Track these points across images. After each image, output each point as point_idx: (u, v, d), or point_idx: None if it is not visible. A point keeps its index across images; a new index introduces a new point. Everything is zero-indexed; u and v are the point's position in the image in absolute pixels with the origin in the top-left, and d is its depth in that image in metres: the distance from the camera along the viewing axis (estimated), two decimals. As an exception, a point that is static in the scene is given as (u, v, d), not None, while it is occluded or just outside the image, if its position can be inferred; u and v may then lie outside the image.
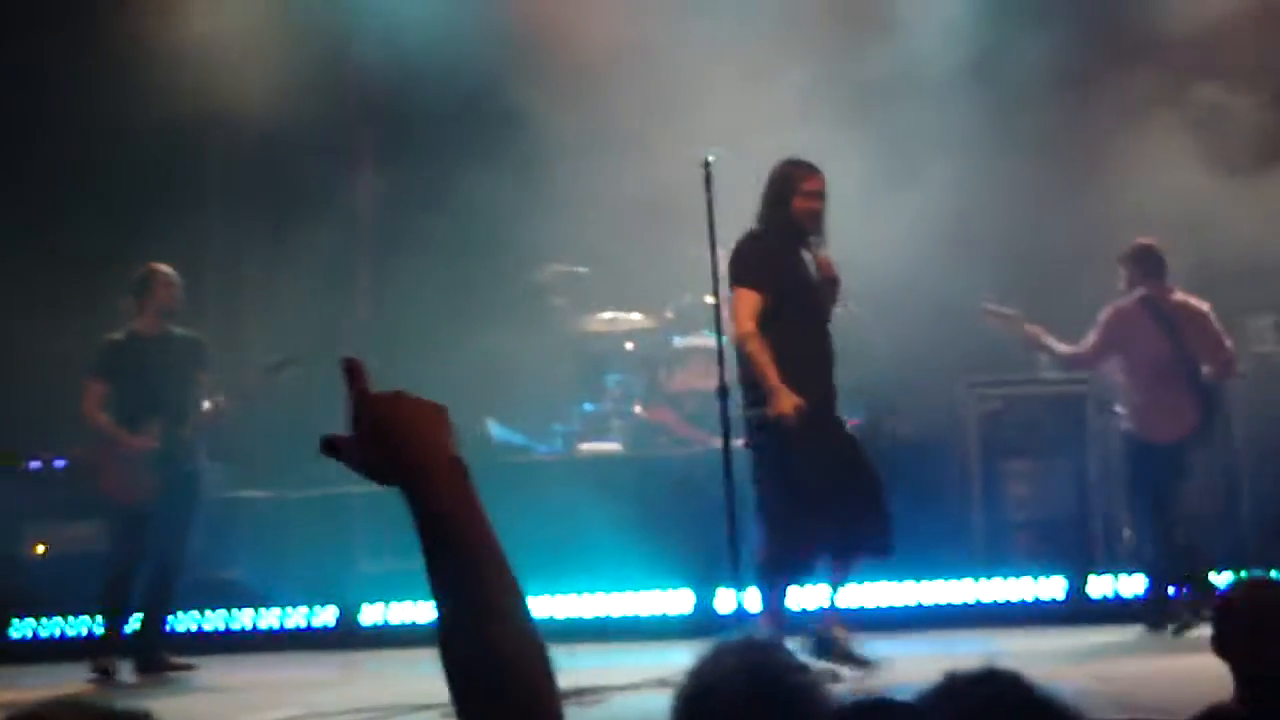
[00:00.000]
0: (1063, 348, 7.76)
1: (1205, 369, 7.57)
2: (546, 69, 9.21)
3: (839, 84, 8.73)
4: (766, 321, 6.20)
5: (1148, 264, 7.58)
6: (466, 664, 1.53)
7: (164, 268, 7.62)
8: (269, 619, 8.50)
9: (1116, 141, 9.18)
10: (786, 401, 6.00)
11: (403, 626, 8.24)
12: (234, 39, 9.30)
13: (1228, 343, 7.62)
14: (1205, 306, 7.61)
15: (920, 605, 7.99)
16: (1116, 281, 7.71)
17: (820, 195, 6.33)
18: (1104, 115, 9.39)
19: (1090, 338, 7.64)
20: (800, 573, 6.24)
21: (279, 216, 9.52)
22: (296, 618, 8.49)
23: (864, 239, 7.42)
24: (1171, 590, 7.43)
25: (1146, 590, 7.64)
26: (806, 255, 6.40)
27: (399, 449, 1.57)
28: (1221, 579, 7.33)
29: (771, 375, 6.03)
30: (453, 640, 1.55)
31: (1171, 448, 7.44)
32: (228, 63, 9.25)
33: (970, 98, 8.73)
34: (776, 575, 6.11)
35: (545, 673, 1.57)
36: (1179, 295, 7.63)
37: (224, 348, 8.71)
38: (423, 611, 8.32)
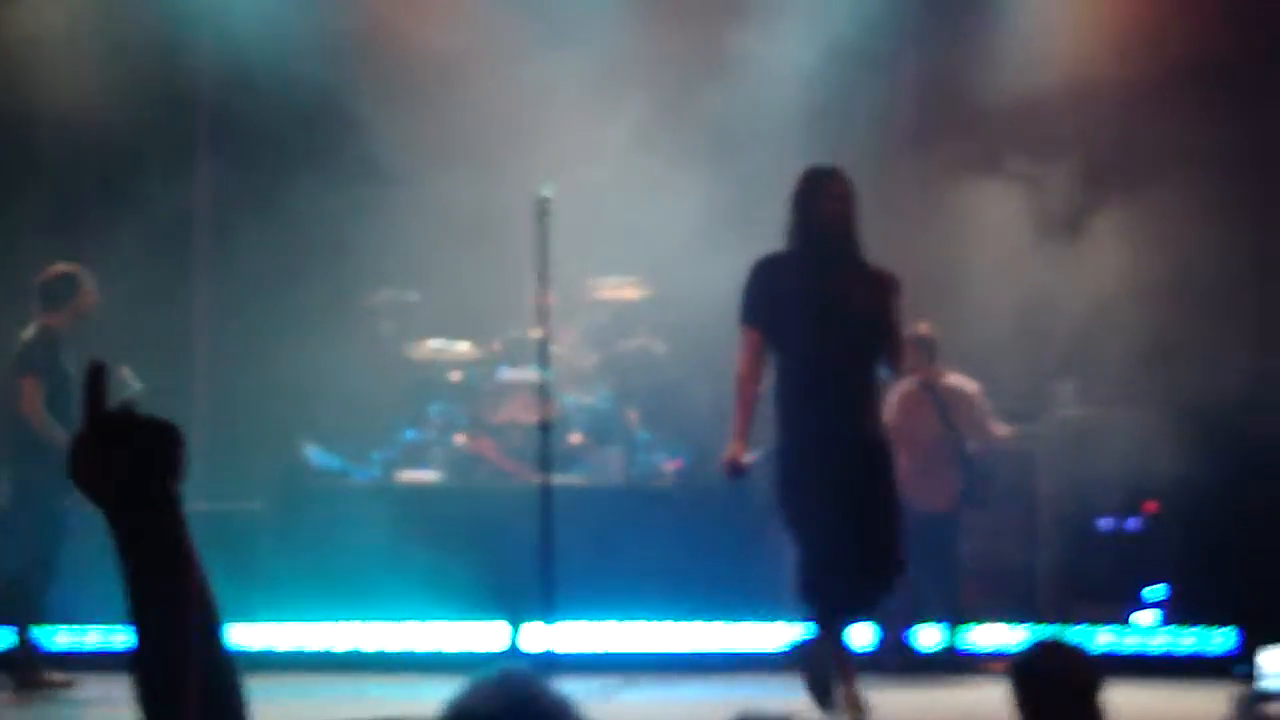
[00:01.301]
0: None
1: (970, 445, 8.32)
2: (386, 87, 9.17)
3: (678, 119, 8.86)
4: (775, 355, 5.86)
5: (923, 349, 8.22)
6: (159, 690, 1.53)
7: (84, 271, 7.61)
8: (68, 638, 8.22)
9: (936, 203, 9.52)
10: (728, 453, 5.78)
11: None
12: (63, 42, 9.07)
13: (990, 423, 8.41)
14: (974, 388, 8.34)
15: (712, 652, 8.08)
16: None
17: (845, 198, 5.83)
18: (929, 175, 9.71)
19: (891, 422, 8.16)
20: (814, 612, 5.80)
21: (106, 224, 9.28)
22: (93, 637, 8.23)
23: (698, 277, 7.53)
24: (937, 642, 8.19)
25: (912, 642, 8.28)
26: (843, 271, 5.83)
27: (110, 467, 1.54)
28: (1018, 638, 7.81)
29: (736, 421, 5.80)
30: (146, 666, 1.54)
31: (940, 516, 8.19)
32: (56, 66, 9.02)
33: (807, 144, 8.94)
34: (804, 607, 5.87)
35: (239, 705, 1.58)
36: (951, 377, 8.32)
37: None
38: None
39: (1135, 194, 8.87)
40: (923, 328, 8.28)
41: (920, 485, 8.10)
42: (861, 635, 8.29)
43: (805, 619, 5.83)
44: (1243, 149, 8.88)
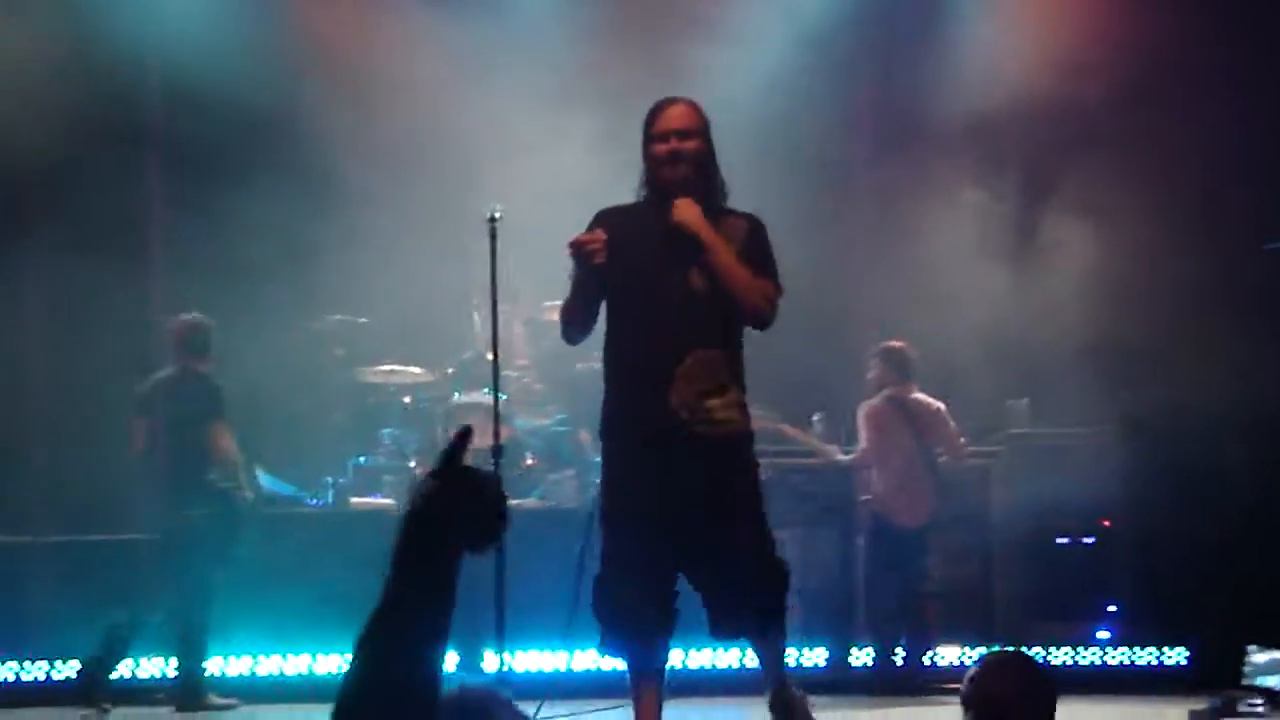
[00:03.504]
0: (842, 457, 8.53)
1: (942, 459, 8.30)
2: (336, 107, 9.10)
3: (633, 137, 8.83)
4: (608, 324, 4.84)
5: (896, 363, 8.23)
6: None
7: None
8: (3, 673, 8.07)
9: (894, 222, 9.55)
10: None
11: (150, 682, 7.92)
12: (9, 61, 8.96)
13: (960, 440, 8.37)
14: (941, 405, 8.32)
15: (685, 669, 8.03)
16: (866, 372, 8.33)
17: (677, 135, 4.75)
18: (885, 194, 9.75)
19: (861, 442, 8.33)
20: (611, 645, 4.78)
21: (52, 243, 9.17)
22: (36, 672, 8.07)
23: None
24: (901, 660, 8.14)
25: (876, 660, 8.23)
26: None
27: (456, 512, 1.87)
28: (972, 654, 7.79)
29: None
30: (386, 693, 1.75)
31: (912, 532, 8.17)
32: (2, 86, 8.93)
33: (762, 164, 8.94)
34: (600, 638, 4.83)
35: None
36: (919, 394, 8.29)
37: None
38: (169, 667, 7.98)
39: (1092, 213, 8.92)
40: (895, 342, 8.27)
41: (897, 502, 8.15)
42: (816, 654, 8.31)
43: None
44: (1194, 167, 8.95)
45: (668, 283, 4.66)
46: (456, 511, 1.80)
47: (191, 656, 7.59)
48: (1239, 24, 8.98)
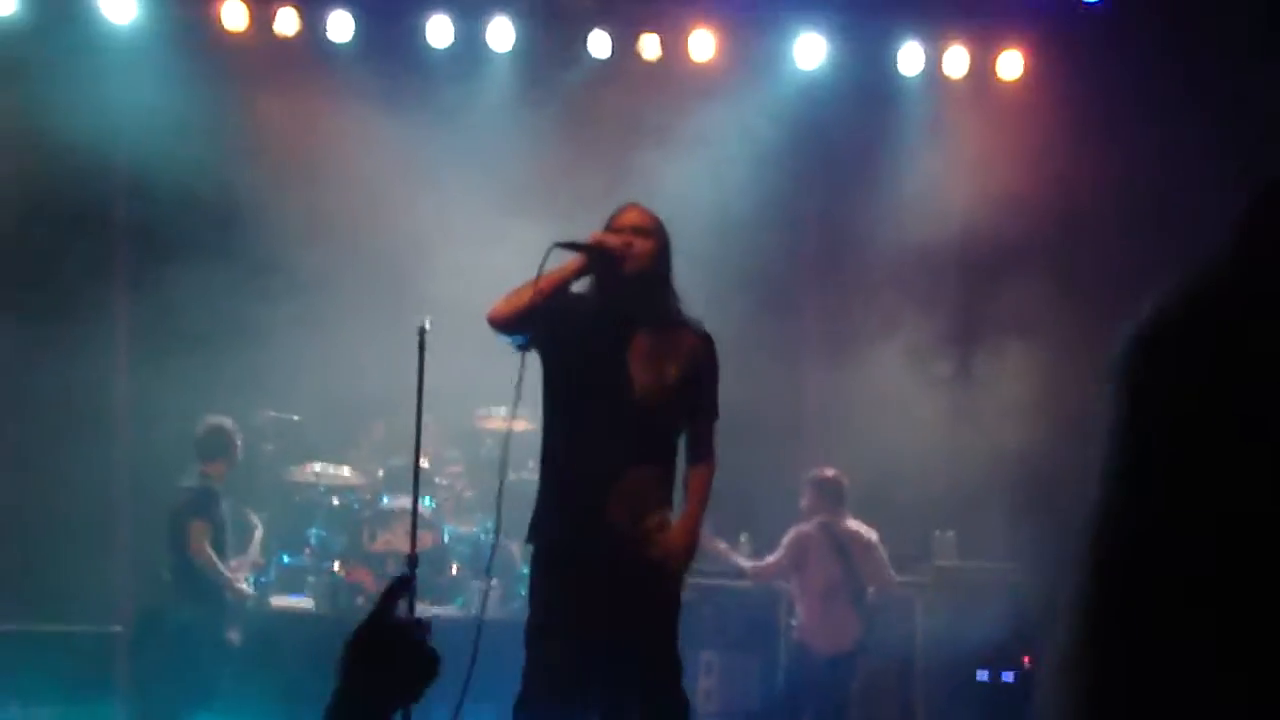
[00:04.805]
0: (745, 563, 8.47)
1: (871, 590, 8.31)
2: (288, 197, 9.13)
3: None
4: (545, 392, 4.69)
5: (829, 492, 8.30)
6: None
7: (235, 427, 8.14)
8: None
9: (826, 344, 9.63)
10: None
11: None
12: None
13: (890, 571, 8.39)
14: (874, 536, 8.35)
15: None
16: (800, 498, 8.34)
17: (635, 230, 4.70)
18: (819, 316, 9.84)
19: (773, 556, 8.34)
20: None
21: (19, 328, 9.12)
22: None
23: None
24: None
25: None
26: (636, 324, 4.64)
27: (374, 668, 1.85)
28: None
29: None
30: None
31: (835, 660, 8.16)
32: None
33: (702, 279, 9.00)
34: None
35: None
36: (852, 523, 8.34)
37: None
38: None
39: (1026, 343, 9.03)
40: (829, 471, 8.33)
41: (819, 629, 8.14)
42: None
43: None
44: (1131, 297, 9.08)
45: (612, 385, 4.57)
46: (380, 676, 1.79)
47: None
48: (1171, 152, 9.19)
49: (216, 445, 7.99)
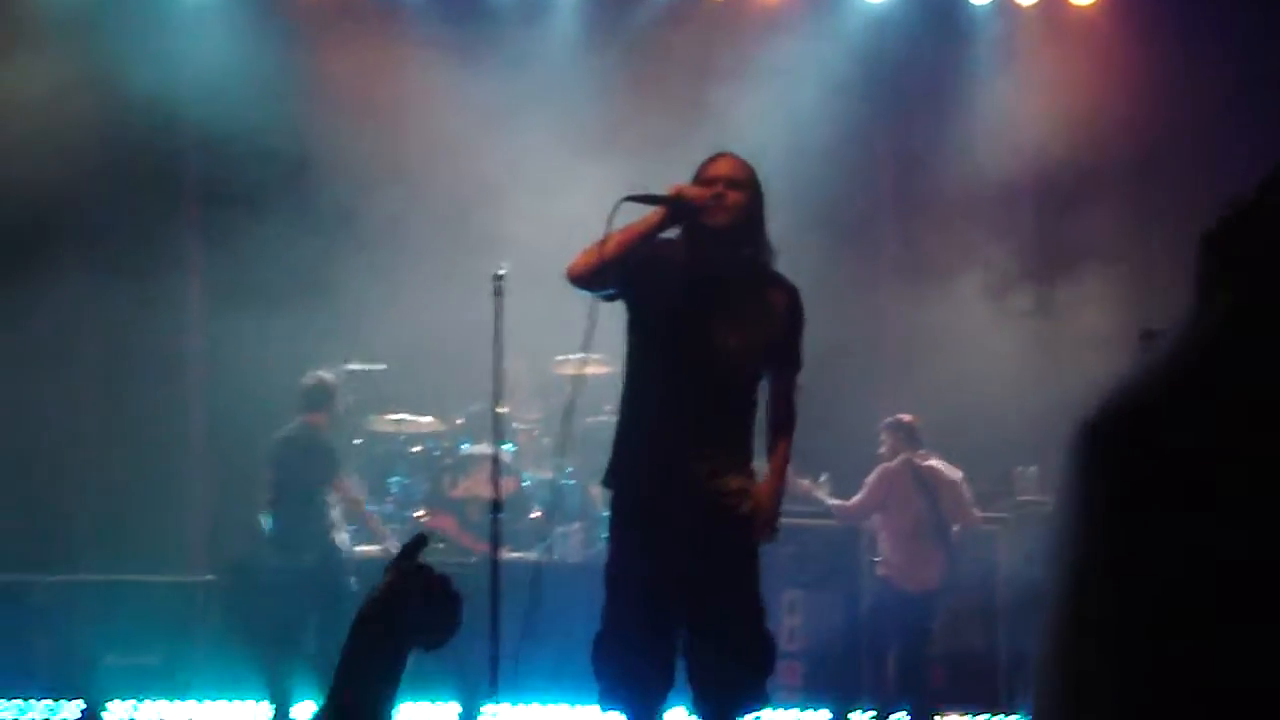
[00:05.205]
0: (832, 501, 8.46)
1: (955, 528, 8.27)
2: (356, 161, 9.16)
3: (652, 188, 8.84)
4: (629, 341, 4.67)
5: (905, 436, 8.28)
6: None
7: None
8: (9, 712, 8.06)
9: (902, 281, 9.55)
10: None
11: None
12: (36, 105, 9.08)
13: (974, 510, 8.35)
14: (959, 474, 8.31)
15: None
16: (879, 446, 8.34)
17: (726, 182, 4.58)
18: (894, 253, 9.75)
19: (859, 495, 8.33)
20: (612, 702, 4.64)
21: (92, 287, 9.25)
22: (39, 711, 8.07)
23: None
24: None
25: None
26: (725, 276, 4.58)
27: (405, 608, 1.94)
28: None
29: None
30: None
31: (920, 598, 8.14)
32: (48, 135, 9.05)
33: (775, 221, 8.94)
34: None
35: None
36: (936, 461, 8.31)
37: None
38: (172, 708, 8.00)
39: (1098, 277, 8.90)
40: (904, 416, 8.34)
41: (905, 566, 8.12)
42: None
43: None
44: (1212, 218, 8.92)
45: (696, 341, 4.53)
46: (407, 610, 1.86)
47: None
48: (1247, 75, 8.98)
49: (320, 397, 8.11)
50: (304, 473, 7.94)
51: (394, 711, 1.84)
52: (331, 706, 1.82)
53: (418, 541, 1.94)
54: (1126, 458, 1.27)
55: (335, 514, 8.03)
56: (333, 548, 7.92)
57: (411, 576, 1.90)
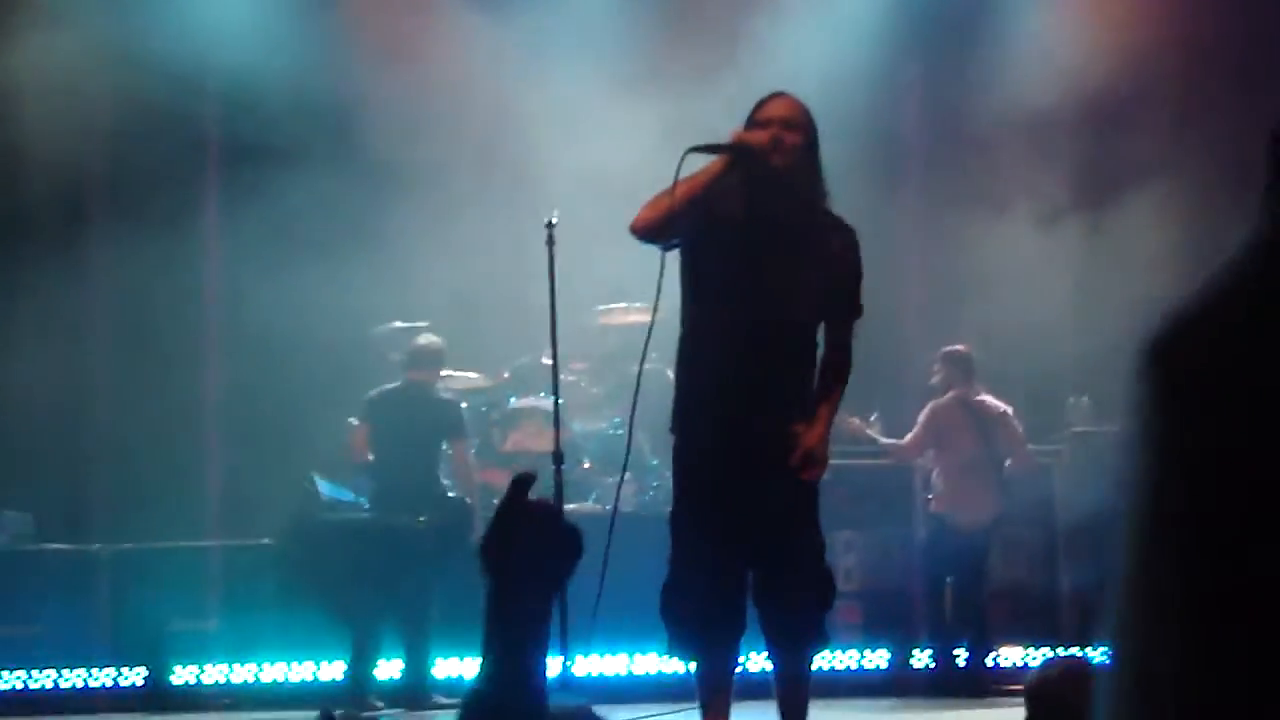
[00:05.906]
0: (885, 440, 8.48)
1: (1008, 463, 8.27)
2: (395, 113, 9.12)
3: (686, 140, 8.77)
4: (685, 289, 4.61)
5: (960, 366, 8.23)
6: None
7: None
8: (73, 679, 8.15)
9: (949, 221, 9.44)
10: None
11: (215, 687, 7.99)
12: (74, 70, 9.07)
13: (1026, 445, 8.35)
14: (1008, 408, 8.29)
15: (747, 672, 7.97)
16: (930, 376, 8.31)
17: (782, 123, 4.49)
18: (941, 194, 9.65)
19: (912, 434, 8.34)
20: (681, 648, 4.67)
21: (116, 249, 9.26)
22: (103, 678, 8.15)
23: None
24: (963, 661, 8.10)
25: (937, 662, 8.19)
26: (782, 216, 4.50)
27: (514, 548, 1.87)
28: (1037, 656, 7.72)
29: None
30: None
31: (975, 532, 8.12)
32: (69, 95, 9.05)
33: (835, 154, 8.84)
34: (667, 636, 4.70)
35: None
36: (985, 396, 8.28)
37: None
38: (236, 673, 8.06)
39: (1145, 201, 8.79)
40: (961, 346, 8.28)
41: (959, 502, 8.09)
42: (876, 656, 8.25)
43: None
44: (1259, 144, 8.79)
45: (755, 288, 4.46)
46: (526, 547, 1.83)
47: (418, 658, 7.71)
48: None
49: (429, 358, 8.12)
50: (411, 428, 7.88)
51: (543, 658, 1.83)
52: (486, 662, 1.81)
53: (524, 479, 1.90)
54: (1194, 379, 1.21)
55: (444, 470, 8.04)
56: (450, 500, 7.94)
57: (524, 514, 1.87)
